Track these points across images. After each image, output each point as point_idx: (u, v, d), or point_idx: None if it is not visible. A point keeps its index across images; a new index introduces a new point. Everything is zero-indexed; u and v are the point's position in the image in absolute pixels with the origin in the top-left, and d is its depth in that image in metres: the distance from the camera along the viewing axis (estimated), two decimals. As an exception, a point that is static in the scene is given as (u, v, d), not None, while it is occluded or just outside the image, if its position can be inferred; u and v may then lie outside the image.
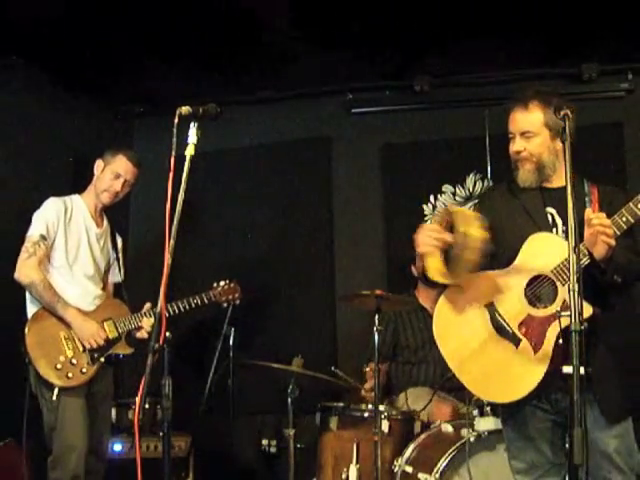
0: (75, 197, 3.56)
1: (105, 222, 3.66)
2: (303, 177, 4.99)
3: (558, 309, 2.30)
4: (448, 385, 4.00)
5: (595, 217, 2.25)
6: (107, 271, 3.66)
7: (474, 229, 2.34)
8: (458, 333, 2.52)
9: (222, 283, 3.78)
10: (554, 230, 2.46)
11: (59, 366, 3.23)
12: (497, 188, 2.81)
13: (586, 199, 2.46)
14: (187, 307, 3.52)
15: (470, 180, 4.73)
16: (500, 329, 2.42)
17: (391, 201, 4.83)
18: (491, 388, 2.45)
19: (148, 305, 3.48)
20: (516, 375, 2.37)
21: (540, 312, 2.37)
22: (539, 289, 2.40)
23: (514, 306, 2.41)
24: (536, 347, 2.34)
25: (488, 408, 3.37)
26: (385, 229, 4.85)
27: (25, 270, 3.27)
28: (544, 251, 2.39)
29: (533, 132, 2.50)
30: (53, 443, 3.22)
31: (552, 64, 4.50)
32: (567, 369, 1.97)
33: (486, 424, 3.11)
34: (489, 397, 2.58)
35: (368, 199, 4.91)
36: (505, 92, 4.67)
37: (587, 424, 1.93)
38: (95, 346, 3.32)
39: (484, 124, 4.65)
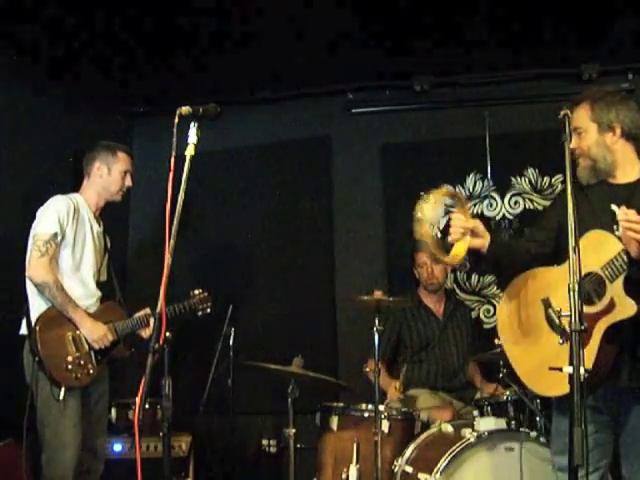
0: (78, 196, 3.52)
1: (101, 222, 3.64)
2: (303, 177, 4.99)
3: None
4: (449, 385, 4.02)
5: (622, 213, 2.22)
6: (99, 270, 3.65)
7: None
8: (517, 326, 2.58)
9: (197, 292, 3.71)
10: (615, 227, 2.40)
11: (70, 367, 3.22)
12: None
13: None
14: (172, 314, 3.51)
15: (470, 180, 4.73)
16: (552, 323, 2.42)
17: (391, 201, 4.83)
18: (540, 381, 2.47)
19: (147, 310, 3.47)
20: None
21: (587, 309, 2.34)
22: (589, 286, 2.38)
23: (566, 301, 2.41)
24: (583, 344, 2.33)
25: (489, 408, 3.39)
26: (385, 229, 4.85)
27: (39, 270, 3.24)
28: (598, 248, 2.37)
29: (582, 128, 2.51)
30: (47, 440, 3.20)
31: (552, 64, 4.50)
32: (567, 369, 1.97)
33: (486, 424, 3.11)
34: (537, 390, 2.58)
35: (368, 199, 4.91)
36: (505, 92, 4.72)
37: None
38: (103, 348, 3.33)
39: (484, 124, 4.66)
